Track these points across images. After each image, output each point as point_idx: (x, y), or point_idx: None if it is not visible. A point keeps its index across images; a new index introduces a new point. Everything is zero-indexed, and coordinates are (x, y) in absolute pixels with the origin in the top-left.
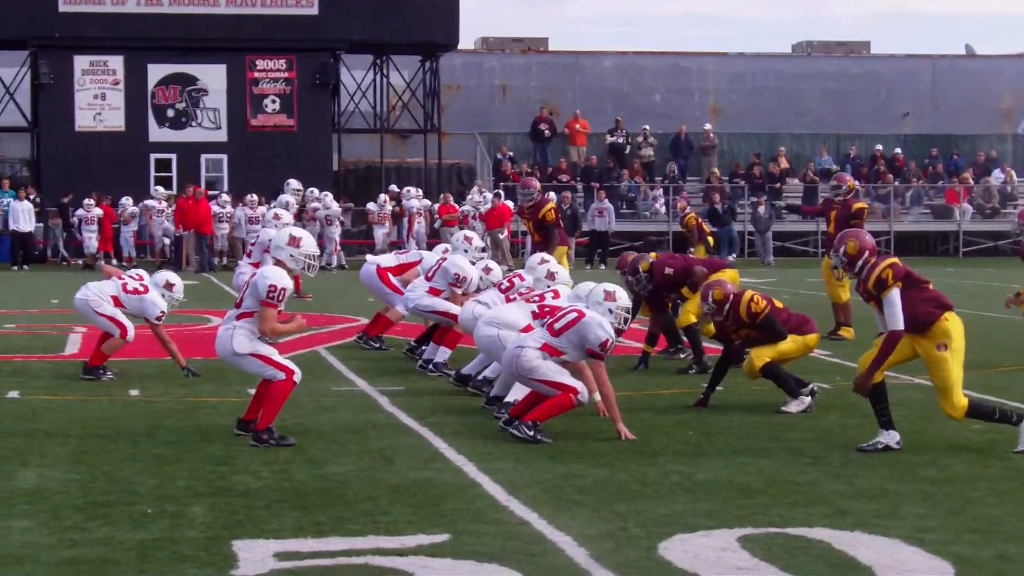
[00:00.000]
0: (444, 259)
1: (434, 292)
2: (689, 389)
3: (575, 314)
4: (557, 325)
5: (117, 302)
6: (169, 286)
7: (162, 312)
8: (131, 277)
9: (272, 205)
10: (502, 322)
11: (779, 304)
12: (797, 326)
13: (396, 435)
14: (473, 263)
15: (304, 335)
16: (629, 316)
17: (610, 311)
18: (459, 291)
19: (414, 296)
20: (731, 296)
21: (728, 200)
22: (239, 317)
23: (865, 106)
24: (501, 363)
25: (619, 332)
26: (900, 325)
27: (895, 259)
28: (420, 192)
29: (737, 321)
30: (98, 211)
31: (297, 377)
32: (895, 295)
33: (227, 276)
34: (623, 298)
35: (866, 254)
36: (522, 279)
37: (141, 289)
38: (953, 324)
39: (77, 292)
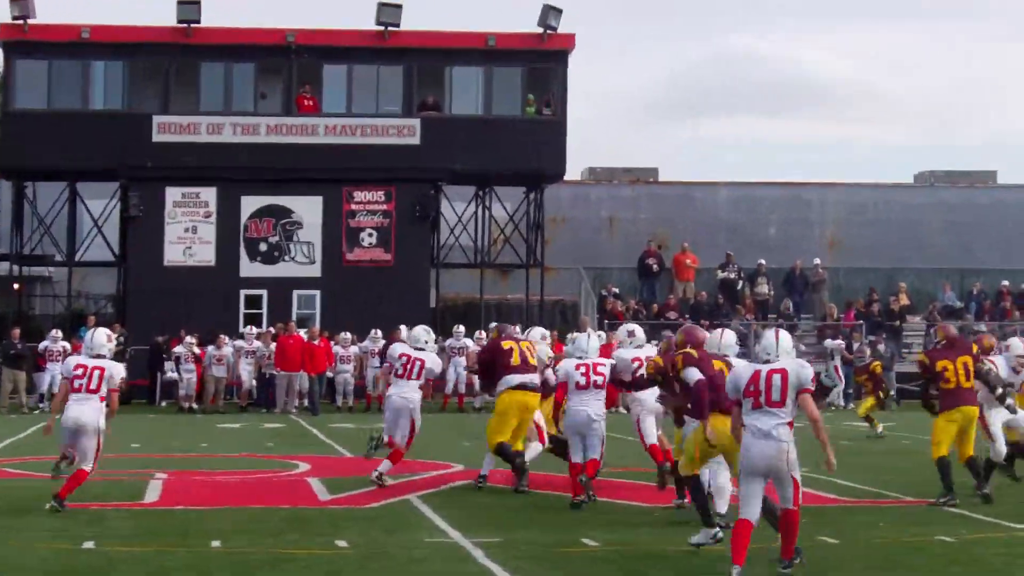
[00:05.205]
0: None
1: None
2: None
3: None
4: None
5: None
6: None
7: None
8: None
9: (362, 346)
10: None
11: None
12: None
13: None
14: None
15: (396, 483)
16: None
17: None
18: None
19: None
20: None
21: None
22: None
23: (991, 239)
24: None
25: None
26: (699, 375)
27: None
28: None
29: None
30: (196, 350)
31: None
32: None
33: (318, 419)
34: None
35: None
36: None
37: None
38: (713, 424)
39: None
